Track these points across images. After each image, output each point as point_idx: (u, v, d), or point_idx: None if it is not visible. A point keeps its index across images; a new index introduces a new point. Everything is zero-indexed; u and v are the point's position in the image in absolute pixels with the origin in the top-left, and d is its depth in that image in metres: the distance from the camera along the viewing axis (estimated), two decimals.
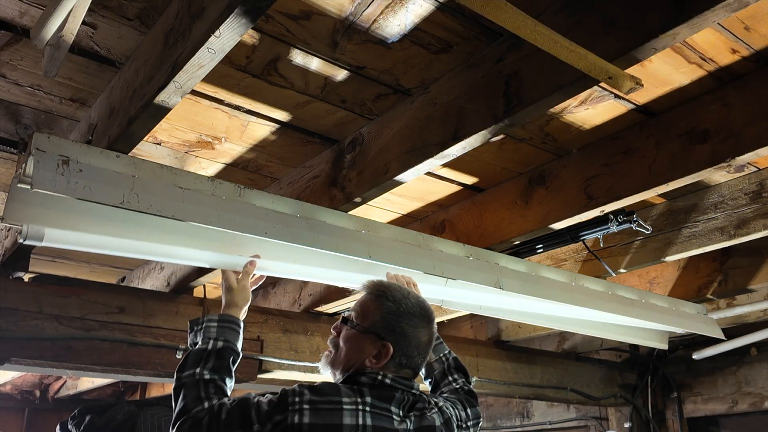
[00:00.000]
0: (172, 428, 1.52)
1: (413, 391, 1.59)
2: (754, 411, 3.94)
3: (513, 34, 1.37)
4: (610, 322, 2.93)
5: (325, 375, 1.68)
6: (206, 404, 1.50)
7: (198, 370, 1.57)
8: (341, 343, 1.65)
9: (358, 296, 1.72)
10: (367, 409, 1.47)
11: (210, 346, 1.62)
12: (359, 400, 1.47)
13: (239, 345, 1.69)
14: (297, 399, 1.43)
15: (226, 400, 1.52)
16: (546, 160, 2.38)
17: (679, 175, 1.99)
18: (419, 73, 1.90)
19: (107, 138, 1.80)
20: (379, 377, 1.55)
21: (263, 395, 1.51)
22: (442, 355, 1.98)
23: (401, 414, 1.53)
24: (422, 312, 1.66)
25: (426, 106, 1.95)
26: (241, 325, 1.73)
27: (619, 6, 1.51)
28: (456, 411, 1.72)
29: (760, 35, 1.75)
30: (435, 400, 1.68)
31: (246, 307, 1.80)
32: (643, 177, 2.07)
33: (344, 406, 1.44)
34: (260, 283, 1.92)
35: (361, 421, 1.44)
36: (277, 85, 1.94)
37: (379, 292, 1.65)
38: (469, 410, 1.79)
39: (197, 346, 1.64)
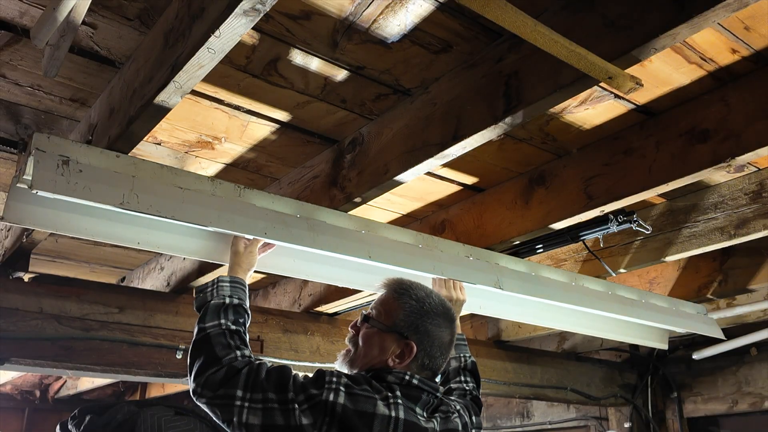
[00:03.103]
0: (195, 380, 1.50)
1: (437, 394, 1.58)
2: (754, 411, 3.94)
3: (513, 34, 1.37)
4: (610, 322, 2.93)
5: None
6: (238, 353, 1.52)
7: (222, 321, 1.58)
8: (360, 342, 1.63)
9: (377, 295, 1.70)
10: (399, 402, 1.47)
11: (227, 301, 1.64)
12: (390, 394, 1.47)
13: (248, 305, 1.71)
14: (335, 379, 1.45)
15: (264, 359, 1.55)
16: (546, 160, 2.38)
17: (679, 175, 1.99)
18: (419, 73, 1.90)
19: (107, 138, 1.80)
20: (407, 377, 1.53)
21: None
22: (461, 354, 1.98)
23: (425, 416, 1.53)
24: (445, 311, 1.64)
25: (426, 106, 1.95)
26: (247, 287, 1.75)
27: (619, 6, 1.51)
28: (467, 416, 1.73)
29: (760, 35, 1.75)
30: (454, 403, 1.69)
31: (251, 272, 1.81)
32: (643, 177, 2.07)
33: (377, 398, 1.45)
34: (268, 251, 1.90)
35: (394, 413, 1.44)
36: (277, 85, 1.94)
37: (401, 290, 1.64)
38: (474, 418, 1.80)
39: (213, 301, 1.64)
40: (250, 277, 1.80)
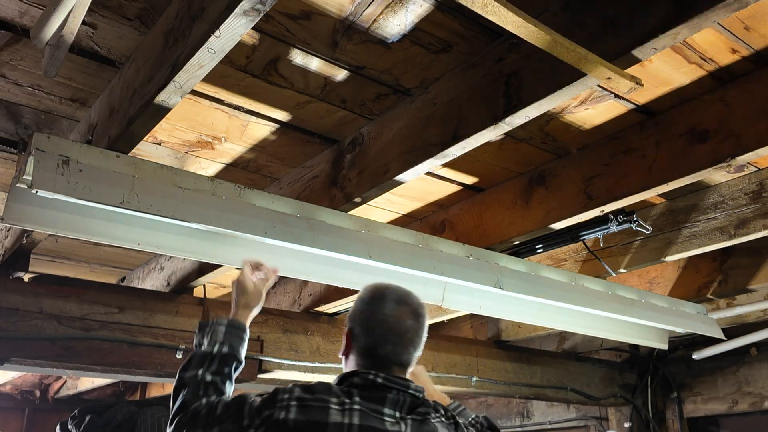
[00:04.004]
0: (170, 425, 1.52)
1: (410, 391, 1.51)
2: (754, 411, 3.94)
3: (513, 34, 1.37)
4: (610, 322, 2.93)
5: None
6: (204, 401, 1.51)
7: (200, 371, 1.57)
8: None
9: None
10: (356, 407, 1.43)
11: (215, 350, 1.62)
12: (347, 400, 1.44)
13: (243, 352, 1.68)
14: (286, 396, 1.43)
15: (224, 397, 1.53)
16: (546, 160, 2.38)
17: (679, 175, 1.99)
18: (419, 73, 1.90)
19: (107, 138, 1.80)
20: (371, 377, 1.49)
21: (262, 395, 1.51)
22: (471, 418, 1.83)
23: (398, 415, 1.47)
24: (400, 297, 1.58)
25: (426, 106, 1.95)
26: (248, 331, 1.72)
27: (619, 6, 1.51)
28: None
29: (760, 35, 1.75)
30: (453, 414, 1.59)
31: (256, 311, 1.78)
32: (643, 177, 2.07)
33: (331, 405, 1.43)
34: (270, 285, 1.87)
35: (347, 420, 1.41)
36: (277, 85, 1.94)
37: (362, 288, 1.65)
38: None
39: (203, 348, 1.63)
40: (254, 316, 1.77)
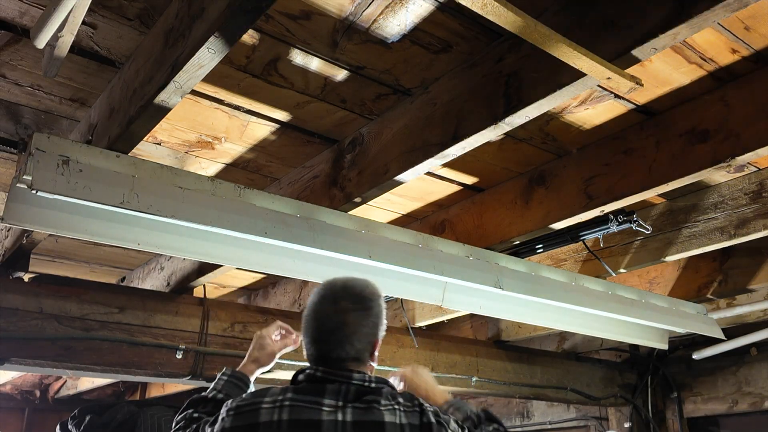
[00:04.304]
0: None
1: (354, 381, 1.51)
2: (754, 411, 3.94)
3: (513, 34, 1.37)
4: (610, 322, 2.93)
5: None
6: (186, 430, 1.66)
7: (191, 410, 1.70)
8: None
9: None
10: (286, 403, 1.46)
11: (211, 395, 1.74)
12: (280, 397, 1.49)
13: None
14: (224, 410, 1.52)
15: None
16: (546, 160, 2.38)
17: (679, 175, 1.99)
18: (419, 73, 1.90)
19: (107, 138, 1.80)
20: (311, 371, 1.54)
21: None
22: (470, 412, 1.77)
23: (339, 404, 1.47)
24: (330, 294, 1.59)
25: (426, 106, 1.95)
26: (250, 384, 1.83)
27: (619, 6, 1.51)
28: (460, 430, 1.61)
29: (760, 35, 1.75)
30: (421, 404, 1.54)
31: (264, 369, 1.91)
32: (643, 177, 2.07)
33: (263, 406, 1.48)
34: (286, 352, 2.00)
35: (276, 417, 1.45)
36: (277, 85, 1.94)
37: None
38: None
39: (202, 393, 1.76)
40: (261, 371, 1.90)
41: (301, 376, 1.56)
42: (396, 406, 1.50)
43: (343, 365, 1.54)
